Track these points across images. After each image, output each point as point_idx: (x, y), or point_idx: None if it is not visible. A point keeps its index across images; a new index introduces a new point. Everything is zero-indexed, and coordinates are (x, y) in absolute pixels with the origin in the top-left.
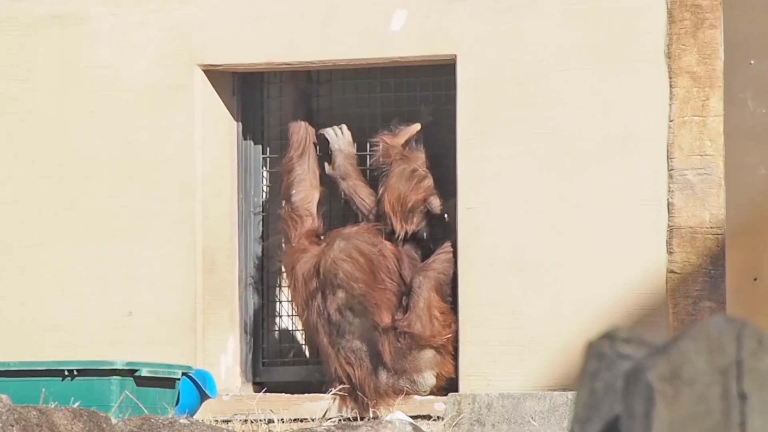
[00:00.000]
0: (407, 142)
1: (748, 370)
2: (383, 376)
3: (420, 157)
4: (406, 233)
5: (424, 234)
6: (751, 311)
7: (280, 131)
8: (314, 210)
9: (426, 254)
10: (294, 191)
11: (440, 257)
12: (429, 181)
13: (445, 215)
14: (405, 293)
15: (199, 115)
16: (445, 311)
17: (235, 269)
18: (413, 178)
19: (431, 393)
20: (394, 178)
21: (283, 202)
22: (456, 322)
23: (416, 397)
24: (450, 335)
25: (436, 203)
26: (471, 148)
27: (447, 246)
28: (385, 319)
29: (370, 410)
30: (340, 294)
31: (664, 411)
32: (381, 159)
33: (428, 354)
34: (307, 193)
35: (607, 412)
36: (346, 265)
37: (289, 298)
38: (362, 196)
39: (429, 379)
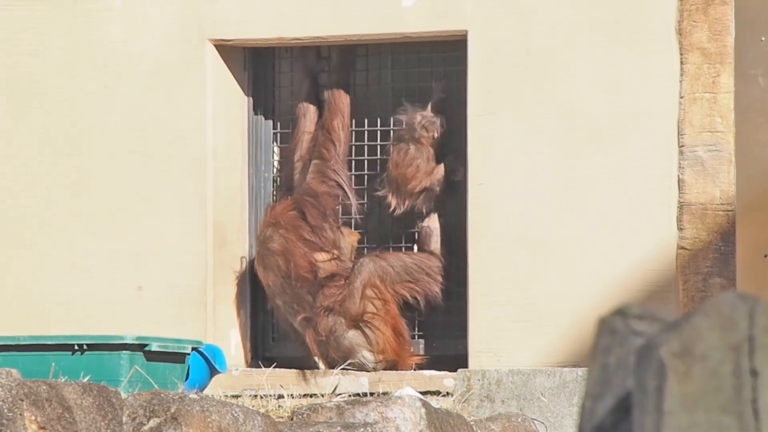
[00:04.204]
0: (425, 123)
1: (760, 346)
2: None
3: (428, 142)
4: (398, 208)
5: (423, 209)
6: (762, 287)
7: (291, 106)
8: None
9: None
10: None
11: (400, 256)
12: (429, 168)
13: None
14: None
15: (211, 91)
16: (382, 296)
17: (245, 244)
18: (410, 161)
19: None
20: (396, 154)
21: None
22: (390, 304)
23: (425, 372)
24: (376, 314)
25: (437, 178)
26: (481, 124)
27: (413, 252)
28: (305, 314)
29: (380, 386)
30: (277, 301)
31: (675, 387)
32: (397, 135)
33: (357, 333)
34: (291, 185)
35: (619, 387)
36: (266, 273)
37: None
38: None
39: (368, 356)
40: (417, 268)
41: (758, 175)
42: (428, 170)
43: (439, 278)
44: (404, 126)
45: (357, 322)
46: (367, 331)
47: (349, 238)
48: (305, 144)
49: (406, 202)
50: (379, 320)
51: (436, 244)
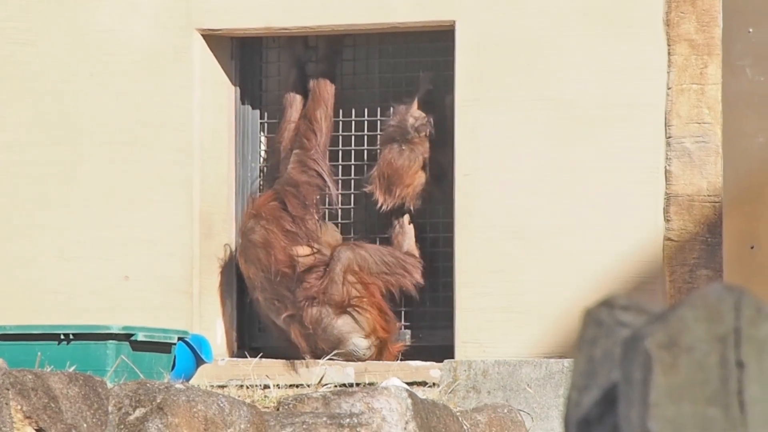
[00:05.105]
0: (417, 126)
1: (746, 338)
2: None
3: (421, 142)
4: (386, 205)
5: (410, 207)
6: (748, 279)
7: (279, 96)
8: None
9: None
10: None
11: (378, 248)
12: (420, 166)
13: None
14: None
15: (198, 80)
16: (362, 280)
17: (232, 234)
18: (404, 161)
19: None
20: (388, 153)
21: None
22: (372, 287)
23: (412, 363)
24: (361, 297)
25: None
26: (469, 114)
27: (391, 247)
28: (288, 311)
29: (366, 376)
30: (258, 296)
31: (661, 379)
32: (388, 135)
33: (346, 320)
34: (275, 175)
35: (605, 379)
36: (247, 266)
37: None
38: None
39: (360, 342)
40: (394, 262)
41: (745, 167)
42: (419, 171)
43: (416, 276)
44: (395, 127)
45: (344, 307)
46: (355, 314)
47: (331, 238)
48: (288, 134)
49: (395, 200)
50: (365, 302)
51: (409, 245)
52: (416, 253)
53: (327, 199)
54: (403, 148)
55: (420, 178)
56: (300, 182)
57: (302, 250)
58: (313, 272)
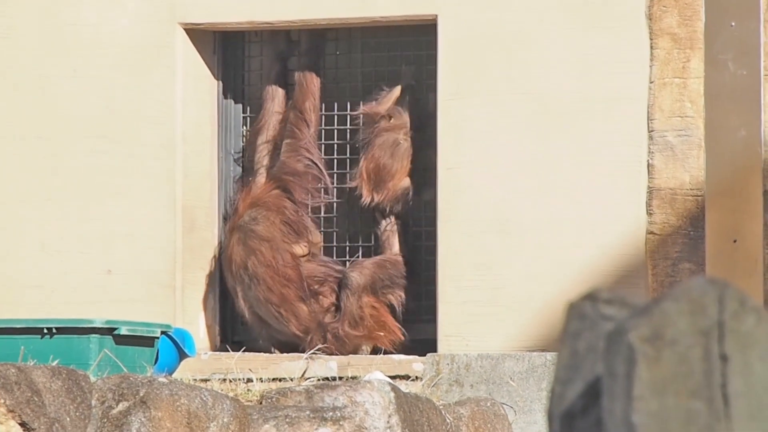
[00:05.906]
0: (391, 109)
1: (730, 331)
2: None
3: (404, 126)
4: (372, 201)
5: (392, 207)
6: (731, 273)
7: (261, 90)
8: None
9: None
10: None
11: (379, 263)
12: (409, 163)
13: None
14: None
15: (180, 74)
16: (376, 306)
17: (215, 228)
18: (395, 151)
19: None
20: (376, 148)
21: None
22: (381, 308)
23: (394, 356)
24: (378, 330)
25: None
26: (452, 108)
27: (389, 254)
28: (298, 332)
29: (348, 370)
30: (253, 292)
31: (645, 372)
32: (364, 128)
33: (361, 341)
34: (258, 166)
35: (589, 372)
36: (245, 254)
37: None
38: None
39: (367, 348)
40: (394, 273)
41: (727, 160)
42: (408, 168)
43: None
44: (391, 120)
45: (364, 337)
46: (371, 339)
47: (312, 236)
48: (274, 125)
49: (383, 197)
50: (383, 335)
51: (397, 245)
52: (403, 254)
53: (324, 190)
54: (402, 142)
55: (406, 181)
56: (299, 171)
57: (299, 248)
58: (324, 285)
